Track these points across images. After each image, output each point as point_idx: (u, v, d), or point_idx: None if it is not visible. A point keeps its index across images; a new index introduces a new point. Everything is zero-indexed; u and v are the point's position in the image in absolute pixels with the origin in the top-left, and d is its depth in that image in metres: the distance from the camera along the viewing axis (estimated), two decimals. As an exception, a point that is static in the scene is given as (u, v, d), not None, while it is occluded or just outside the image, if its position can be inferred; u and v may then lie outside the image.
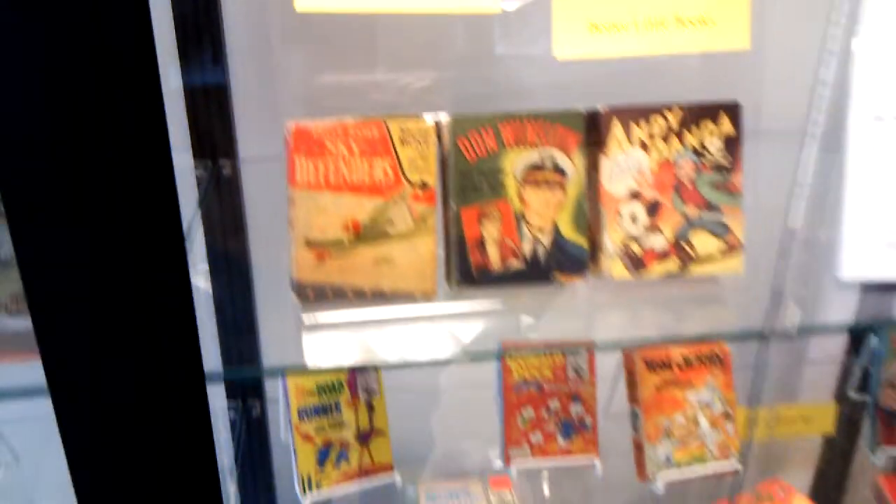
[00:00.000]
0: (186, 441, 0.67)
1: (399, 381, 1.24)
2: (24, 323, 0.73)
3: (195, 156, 1.10)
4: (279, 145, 0.79)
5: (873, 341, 1.29)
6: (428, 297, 0.83)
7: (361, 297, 0.81)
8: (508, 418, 1.22)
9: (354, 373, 1.18)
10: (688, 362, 1.20)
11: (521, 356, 1.21)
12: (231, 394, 1.37)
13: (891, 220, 0.84)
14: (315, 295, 0.81)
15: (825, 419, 1.30)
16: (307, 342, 0.81)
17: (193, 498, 0.68)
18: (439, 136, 0.81)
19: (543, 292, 0.84)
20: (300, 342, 0.81)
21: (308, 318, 0.82)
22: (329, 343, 0.82)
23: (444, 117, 0.81)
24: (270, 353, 0.83)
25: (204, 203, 1.01)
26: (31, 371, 0.66)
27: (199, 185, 1.07)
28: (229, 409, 1.36)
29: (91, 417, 0.63)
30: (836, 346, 1.38)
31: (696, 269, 0.85)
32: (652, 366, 1.19)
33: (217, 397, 1.37)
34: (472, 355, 0.81)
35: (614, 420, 1.25)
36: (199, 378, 0.61)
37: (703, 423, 1.19)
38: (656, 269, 0.85)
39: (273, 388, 1.32)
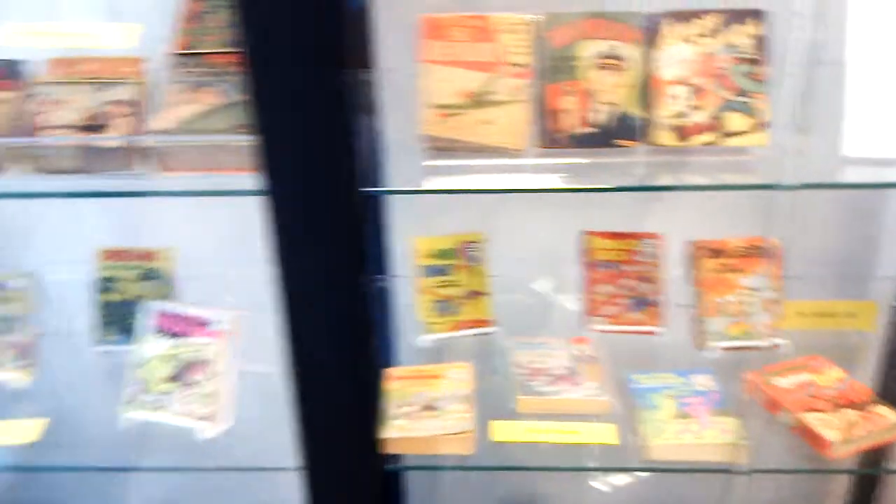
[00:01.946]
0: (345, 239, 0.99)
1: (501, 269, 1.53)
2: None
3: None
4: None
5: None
6: (519, 153, 1.12)
7: (470, 149, 1.12)
8: (589, 293, 1.49)
9: (465, 244, 1.49)
10: (742, 252, 1.44)
11: (601, 241, 1.49)
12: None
13: (884, 107, 1.07)
14: (437, 146, 1.12)
15: (869, 317, 1.49)
16: (427, 180, 1.12)
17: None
18: (534, 29, 1.10)
19: (609, 153, 1.12)
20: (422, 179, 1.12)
21: (429, 163, 1.13)
22: (445, 180, 1.13)
23: (537, 16, 1.10)
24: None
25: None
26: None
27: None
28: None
29: (294, 210, 0.96)
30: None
31: (729, 141, 1.11)
32: (710, 253, 1.43)
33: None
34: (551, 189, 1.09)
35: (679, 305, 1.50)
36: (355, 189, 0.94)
37: (753, 304, 1.43)
38: (697, 139, 1.11)
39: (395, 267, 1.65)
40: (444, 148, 1.12)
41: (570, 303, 1.52)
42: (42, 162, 1.03)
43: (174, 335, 1.30)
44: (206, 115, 1.05)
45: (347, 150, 0.96)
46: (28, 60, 1.15)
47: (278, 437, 1.23)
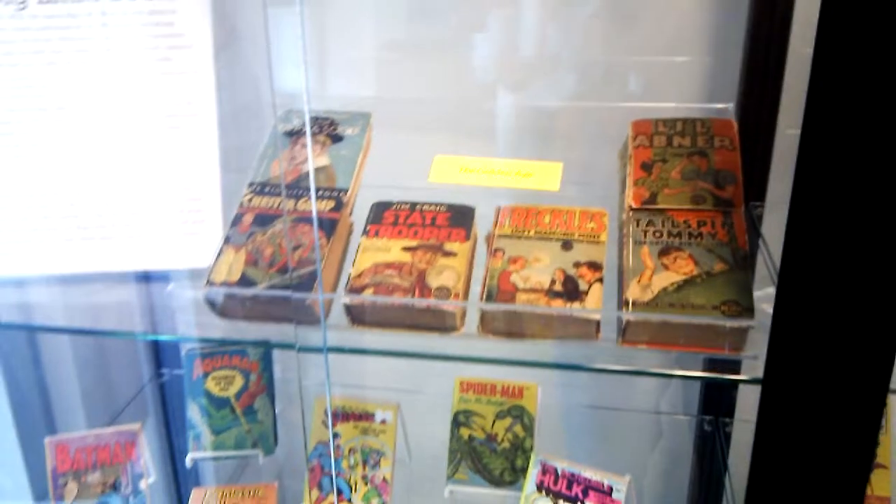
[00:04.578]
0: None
1: None
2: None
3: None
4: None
5: None
6: None
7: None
8: None
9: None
10: None
11: None
12: (707, 409, 1.55)
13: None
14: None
15: None
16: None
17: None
18: None
19: None
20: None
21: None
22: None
23: None
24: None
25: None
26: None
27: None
28: (705, 422, 1.54)
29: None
30: None
31: None
32: None
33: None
34: None
35: None
36: None
37: None
38: None
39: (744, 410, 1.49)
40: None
41: None
42: (507, 325, 0.94)
43: (562, 497, 1.18)
44: (682, 285, 0.93)
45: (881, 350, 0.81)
46: (474, 206, 1.07)
47: None
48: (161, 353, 1.69)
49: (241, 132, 1.30)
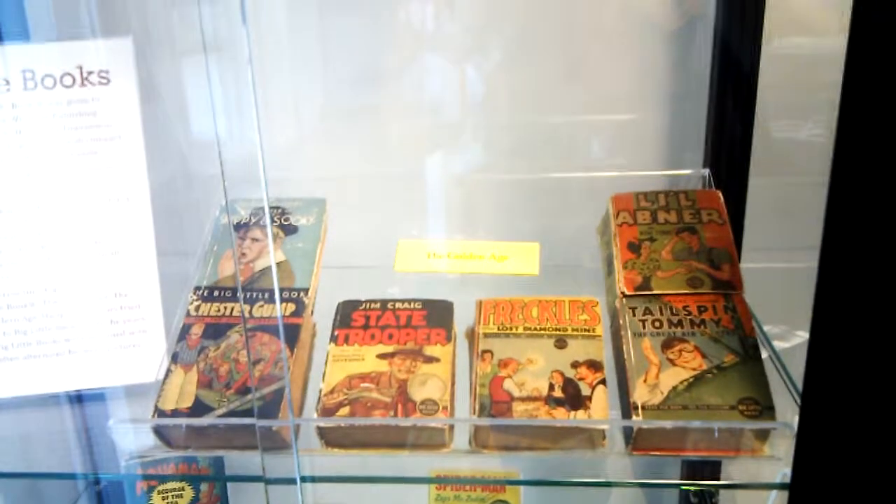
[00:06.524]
0: None
1: None
2: None
3: None
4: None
5: None
6: None
7: None
8: None
9: None
10: None
11: None
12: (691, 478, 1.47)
13: None
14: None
15: None
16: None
17: None
18: None
19: None
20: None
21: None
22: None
23: None
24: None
25: None
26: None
27: None
28: (691, 493, 1.47)
29: None
30: None
31: None
32: None
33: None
34: None
35: None
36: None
37: None
38: None
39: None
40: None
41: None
42: (502, 438, 0.83)
43: None
44: (692, 383, 0.85)
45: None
46: (448, 301, 0.97)
47: None
48: (98, 457, 1.52)
49: (176, 212, 1.18)
